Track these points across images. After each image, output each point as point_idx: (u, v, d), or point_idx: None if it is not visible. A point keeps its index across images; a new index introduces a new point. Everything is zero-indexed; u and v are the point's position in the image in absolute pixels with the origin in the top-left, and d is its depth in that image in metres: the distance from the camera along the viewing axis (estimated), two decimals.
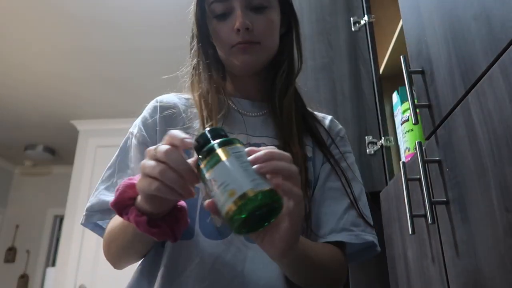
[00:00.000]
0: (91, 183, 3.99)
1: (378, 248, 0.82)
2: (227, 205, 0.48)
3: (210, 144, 0.52)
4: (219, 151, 0.51)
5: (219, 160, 0.50)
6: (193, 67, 0.85)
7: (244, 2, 0.77)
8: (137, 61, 3.31)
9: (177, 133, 0.53)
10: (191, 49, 0.86)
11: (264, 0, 0.79)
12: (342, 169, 0.81)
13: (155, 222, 0.58)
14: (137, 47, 3.14)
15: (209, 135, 0.54)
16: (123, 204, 0.60)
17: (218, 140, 0.52)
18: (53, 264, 5.15)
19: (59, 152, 5.15)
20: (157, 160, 0.52)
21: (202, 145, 0.53)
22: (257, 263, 0.69)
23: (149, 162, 0.53)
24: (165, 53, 3.16)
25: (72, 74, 3.50)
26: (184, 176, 0.51)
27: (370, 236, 0.78)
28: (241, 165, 0.49)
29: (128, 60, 3.30)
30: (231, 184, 0.48)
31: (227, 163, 0.50)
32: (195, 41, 0.84)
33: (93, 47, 3.14)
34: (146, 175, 0.53)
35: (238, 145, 0.53)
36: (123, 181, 0.61)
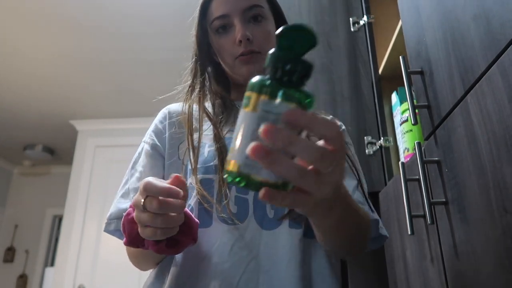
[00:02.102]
0: (90, 183, 3.98)
1: (385, 233, 0.82)
2: (227, 158, 0.40)
3: (259, 81, 0.40)
4: (253, 95, 0.40)
5: (246, 105, 0.40)
6: (188, 86, 0.91)
7: (242, 15, 0.84)
8: (136, 61, 3.31)
9: (152, 185, 0.54)
10: (190, 69, 0.93)
11: (260, 12, 0.86)
12: (349, 155, 0.87)
13: (172, 239, 0.61)
14: (136, 47, 3.13)
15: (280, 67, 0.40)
16: (136, 240, 0.62)
17: (268, 82, 0.40)
18: (52, 264, 5.14)
19: (58, 152, 5.14)
20: (143, 211, 0.56)
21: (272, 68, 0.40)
22: (271, 247, 0.74)
23: (135, 201, 0.57)
24: (164, 53, 3.16)
25: (71, 74, 3.49)
26: (167, 198, 0.54)
27: (376, 215, 0.82)
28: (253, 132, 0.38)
29: (127, 60, 3.30)
30: (234, 143, 0.40)
31: (248, 116, 0.39)
32: (194, 60, 0.91)
33: (93, 47, 3.13)
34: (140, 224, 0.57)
35: (287, 103, 0.39)
36: (124, 218, 0.63)
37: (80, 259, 3.71)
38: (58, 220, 5.46)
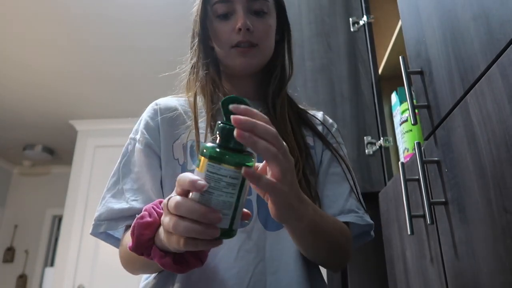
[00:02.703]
0: (90, 183, 3.98)
1: (372, 233, 0.86)
2: None
3: (206, 146, 0.49)
4: (202, 159, 0.49)
5: (197, 165, 0.50)
6: (192, 66, 0.87)
7: (246, 5, 0.82)
8: (136, 61, 3.31)
9: (185, 177, 0.49)
10: (191, 48, 0.89)
11: (264, 6, 0.84)
12: (342, 156, 0.86)
13: (180, 256, 0.57)
14: (137, 46, 3.13)
15: (225, 133, 0.49)
16: (143, 247, 0.58)
17: (214, 148, 0.49)
18: (52, 264, 5.14)
19: (57, 152, 5.13)
20: (171, 214, 0.50)
21: (220, 137, 0.50)
22: (276, 249, 0.73)
23: (165, 219, 0.51)
24: (165, 53, 3.15)
25: (71, 74, 3.49)
26: (202, 220, 0.48)
27: (370, 219, 0.82)
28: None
29: (127, 60, 3.30)
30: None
31: (197, 174, 0.49)
32: (196, 40, 0.87)
33: (92, 46, 3.13)
34: (168, 232, 0.51)
35: (227, 166, 0.48)
36: (136, 221, 0.59)
37: (80, 259, 3.71)
38: (58, 220, 5.46)
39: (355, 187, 0.84)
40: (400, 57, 0.81)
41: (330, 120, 0.95)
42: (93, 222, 0.77)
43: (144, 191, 0.77)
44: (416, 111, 0.78)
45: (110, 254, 3.57)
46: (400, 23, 1.20)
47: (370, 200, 1.30)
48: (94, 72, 3.48)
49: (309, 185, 0.78)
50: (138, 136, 0.83)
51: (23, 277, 5.12)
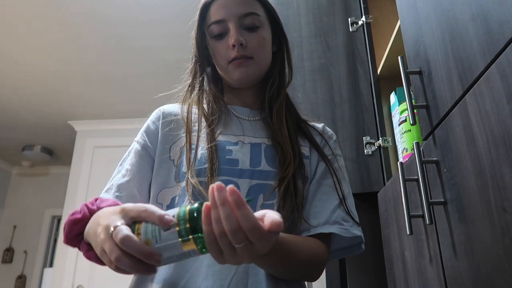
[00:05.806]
0: (89, 183, 3.98)
1: (363, 247, 0.87)
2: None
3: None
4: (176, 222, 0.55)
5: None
6: (188, 85, 0.94)
7: (237, 22, 0.87)
8: (135, 62, 3.30)
9: (154, 209, 0.55)
10: (189, 68, 0.95)
11: (255, 20, 0.88)
12: (335, 169, 0.88)
13: None
14: (136, 47, 3.13)
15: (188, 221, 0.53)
16: (73, 241, 0.69)
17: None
18: (51, 265, 5.13)
19: (56, 152, 5.13)
20: (115, 243, 0.54)
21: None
22: None
23: (107, 245, 0.55)
24: (164, 54, 3.16)
25: (70, 75, 3.48)
26: (143, 260, 0.53)
27: (358, 231, 0.83)
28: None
29: (126, 60, 3.29)
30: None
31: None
32: (193, 61, 0.94)
33: (92, 47, 3.13)
34: (103, 251, 0.56)
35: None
36: (67, 218, 0.69)
37: (79, 259, 3.70)
38: (57, 221, 5.45)
39: (345, 200, 0.85)
40: (399, 57, 0.81)
41: (330, 132, 0.98)
42: None
43: (129, 187, 0.83)
44: (415, 111, 0.78)
45: None
46: (399, 23, 1.20)
47: (369, 200, 1.31)
48: (93, 73, 3.48)
49: (297, 192, 0.80)
50: (138, 138, 0.90)
51: (22, 278, 5.12)
